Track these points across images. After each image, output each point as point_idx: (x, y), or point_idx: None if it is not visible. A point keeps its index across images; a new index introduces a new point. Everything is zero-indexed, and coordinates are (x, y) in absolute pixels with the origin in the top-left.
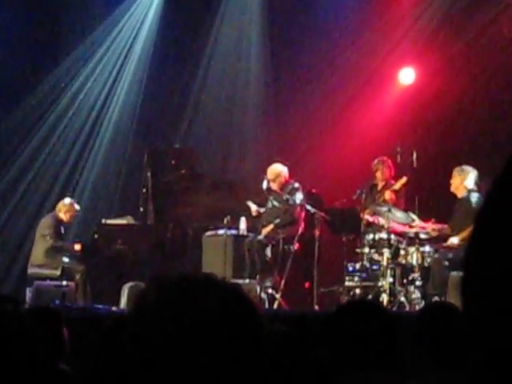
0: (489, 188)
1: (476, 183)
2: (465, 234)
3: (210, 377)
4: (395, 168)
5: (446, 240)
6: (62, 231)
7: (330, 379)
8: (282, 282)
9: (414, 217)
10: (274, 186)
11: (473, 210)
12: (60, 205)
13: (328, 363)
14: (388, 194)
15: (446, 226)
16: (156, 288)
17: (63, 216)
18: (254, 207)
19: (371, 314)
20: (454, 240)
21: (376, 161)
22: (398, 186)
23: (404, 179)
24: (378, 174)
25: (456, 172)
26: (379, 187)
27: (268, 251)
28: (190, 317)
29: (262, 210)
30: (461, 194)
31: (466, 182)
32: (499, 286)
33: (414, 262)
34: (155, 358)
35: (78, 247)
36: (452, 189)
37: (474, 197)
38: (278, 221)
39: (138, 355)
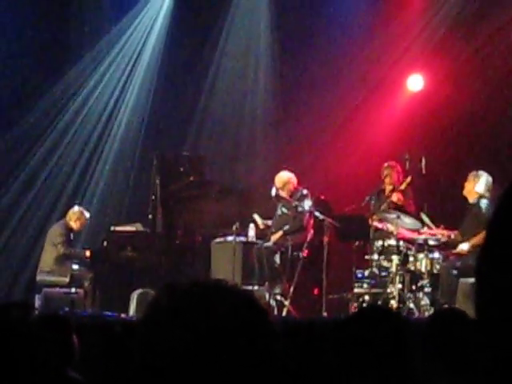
0: (500, 197)
1: (488, 189)
2: (474, 240)
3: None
4: (404, 173)
5: (455, 246)
6: (72, 239)
7: None
8: (291, 288)
9: (426, 218)
10: (283, 194)
11: (482, 215)
12: (70, 213)
13: (337, 369)
14: (395, 196)
15: (455, 231)
16: (168, 295)
17: (73, 224)
18: (259, 220)
19: (382, 319)
20: (464, 247)
21: (386, 165)
22: (403, 186)
23: (408, 179)
24: (387, 179)
25: (471, 176)
26: (387, 192)
27: (277, 258)
28: (203, 324)
29: (269, 222)
30: (472, 198)
31: (478, 186)
32: (511, 295)
33: (423, 269)
34: (166, 365)
35: (87, 253)
36: (464, 192)
37: (484, 203)
38: (287, 227)
39: (149, 362)
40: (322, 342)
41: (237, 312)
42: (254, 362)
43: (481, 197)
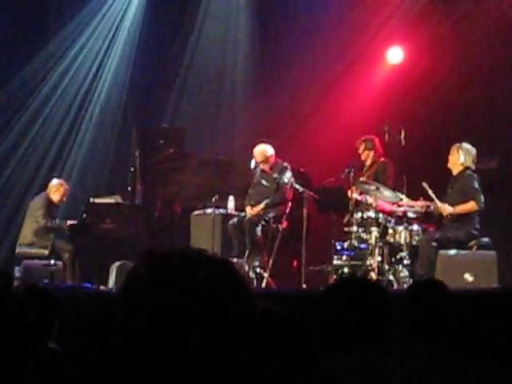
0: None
1: (473, 160)
2: (460, 208)
3: (202, 350)
4: (383, 146)
5: (434, 218)
6: (54, 211)
7: (320, 359)
8: (270, 260)
9: (402, 196)
10: (264, 166)
11: (467, 187)
12: (50, 185)
13: (317, 343)
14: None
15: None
16: (146, 263)
17: (53, 196)
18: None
19: (361, 290)
20: (448, 208)
21: (359, 140)
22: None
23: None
24: (363, 154)
25: (454, 148)
26: (367, 166)
27: (258, 231)
28: (182, 291)
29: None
30: (456, 170)
31: (462, 158)
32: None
33: (402, 241)
34: (146, 333)
35: (69, 223)
36: (449, 165)
37: (469, 174)
38: (268, 200)
39: (131, 332)
40: (301, 314)
41: (215, 279)
42: (233, 329)
43: (466, 168)
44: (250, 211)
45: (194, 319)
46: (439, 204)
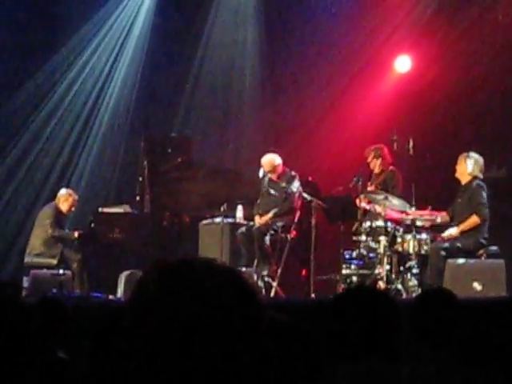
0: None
1: (480, 170)
2: (463, 226)
3: (208, 358)
4: (392, 155)
5: (443, 229)
6: (63, 221)
7: (325, 367)
8: (279, 270)
9: (410, 209)
10: (272, 176)
11: (474, 197)
12: (59, 195)
13: (324, 351)
14: (370, 187)
15: (443, 213)
16: (156, 272)
17: (62, 206)
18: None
19: (370, 299)
20: (453, 231)
21: (368, 150)
22: (376, 168)
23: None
24: (372, 163)
25: (462, 158)
26: (375, 174)
27: (267, 239)
28: (191, 301)
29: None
30: (465, 180)
31: (470, 168)
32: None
33: (411, 250)
34: (155, 342)
35: (76, 235)
36: (457, 175)
37: (477, 184)
38: (276, 209)
39: (137, 339)
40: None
41: (225, 289)
42: (242, 338)
43: (474, 178)
44: (258, 220)
45: (202, 328)
46: (444, 234)
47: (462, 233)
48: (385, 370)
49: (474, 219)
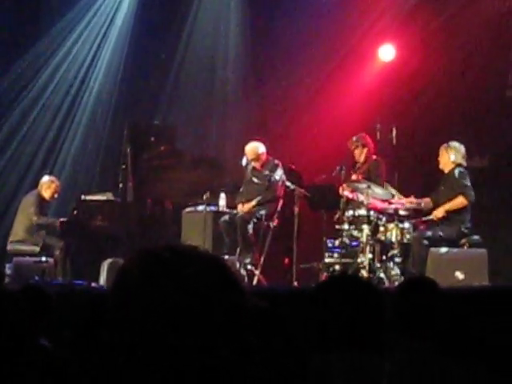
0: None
1: (463, 157)
2: (447, 206)
3: (190, 346)
4: (375, 144)
5: (424, 215)
6: (46, 208)
7: (307, 357)
8: (262, 258)
9: (394, 192)
10: (255, 164)
11: (456, 182)
12: (41, 182)
13: (306, 339)
14: (354, 176)
15: (426, 199)
16: (139, 258)
17: (45, 193)
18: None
19: (354, 289)
20: (438, 213)
21: (352, 139)
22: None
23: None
24: (356, 152)
25: (443, 149)
26: (359, 164)
27: (250, 228)
28: (174, 287)
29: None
30: (448, 169)
31: (452, 157)
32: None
33: (394, 239)
34: (138, 330)
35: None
36: (441, 166)
37: (459, 170)
38: (259, 198)
39: (119, 326)
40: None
41: (206, 275)
42: (224, 325)
43: (457, 165)
44: (241, 208)
45: (185, 314)
46: (430, 216)
47: (447, 212)
48: (369, 359)
49: (460, 199)
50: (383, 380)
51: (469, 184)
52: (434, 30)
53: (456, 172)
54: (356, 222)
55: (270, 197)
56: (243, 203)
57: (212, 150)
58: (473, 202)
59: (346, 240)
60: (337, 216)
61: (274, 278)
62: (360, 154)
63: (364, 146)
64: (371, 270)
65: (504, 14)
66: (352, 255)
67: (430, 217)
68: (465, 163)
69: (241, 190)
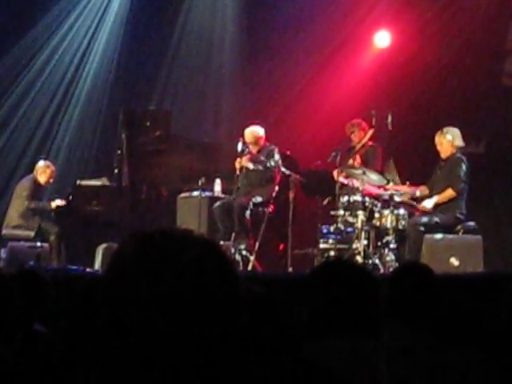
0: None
1: (460, 139)
2: (438, 199)
3: (186, 331)
4: (370, 130)
5: (421, 201)
6: (41, 193)
7: (303, 342)
8: (257, 244)
9: (396, 178)
10: (253, 149)
11: (451, 172)
12: (37, 167)
13: (301, 324)
14: (352, 160)
15: (422, 187)
16: (133, 242)
17: (40, 178)
18: None
19: (349, 274)
20: (428, 204)
21: (349, 124)
22: (366, 139)
23: (371, 131)
24: (353, 137)
25: (440, 136)
26: (356, 149)
27: (247, 214)
28: (168, 271)
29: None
30: (448, 154)
31: (453, 142)
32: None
33: (389, 225)
34: (132, 313)
35: (54, 204)
36: (442, 156)
37: (456, 156)
38: (256, 183)
39: (114, 311)
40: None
41: (201, 259)
42: (218, 309)
43: (457, 150)
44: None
45: (181, 299)
46: (420, 205)
47: (437, 205)
48: (365, 345)
49: (449, 192)
50: (380, 365)
51: (462, 174)
52: (430, 16)
53: (454, 159)
54: (351, 207)
55: (266, 182)
56: (238, 188)
57: (207, 135)
58: (461, 194)
59: (341, 226)
60: (326, 201)
61: (269, 264)
62: (360, 137)
63: (360, 129)
64: (366, 256)
65: (500, 1)
66: (347, 241)
67: (420, 207)
68: (463, 143)
69: (239, 184)
